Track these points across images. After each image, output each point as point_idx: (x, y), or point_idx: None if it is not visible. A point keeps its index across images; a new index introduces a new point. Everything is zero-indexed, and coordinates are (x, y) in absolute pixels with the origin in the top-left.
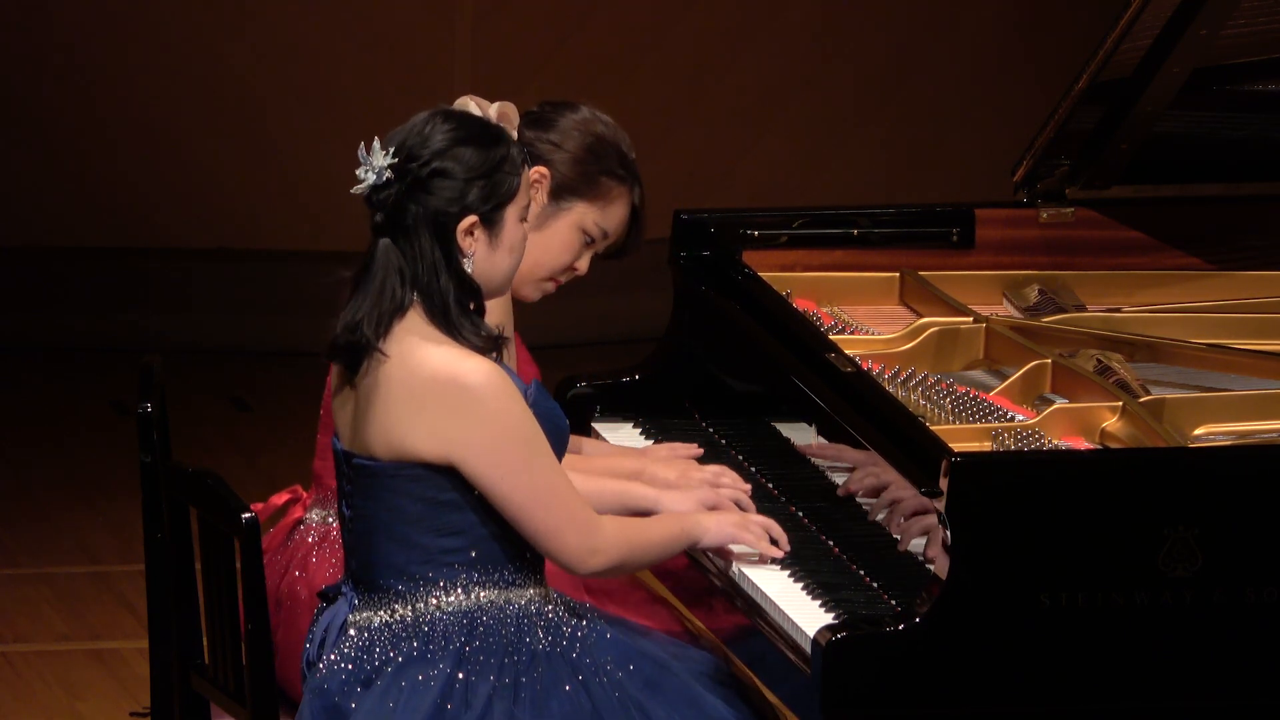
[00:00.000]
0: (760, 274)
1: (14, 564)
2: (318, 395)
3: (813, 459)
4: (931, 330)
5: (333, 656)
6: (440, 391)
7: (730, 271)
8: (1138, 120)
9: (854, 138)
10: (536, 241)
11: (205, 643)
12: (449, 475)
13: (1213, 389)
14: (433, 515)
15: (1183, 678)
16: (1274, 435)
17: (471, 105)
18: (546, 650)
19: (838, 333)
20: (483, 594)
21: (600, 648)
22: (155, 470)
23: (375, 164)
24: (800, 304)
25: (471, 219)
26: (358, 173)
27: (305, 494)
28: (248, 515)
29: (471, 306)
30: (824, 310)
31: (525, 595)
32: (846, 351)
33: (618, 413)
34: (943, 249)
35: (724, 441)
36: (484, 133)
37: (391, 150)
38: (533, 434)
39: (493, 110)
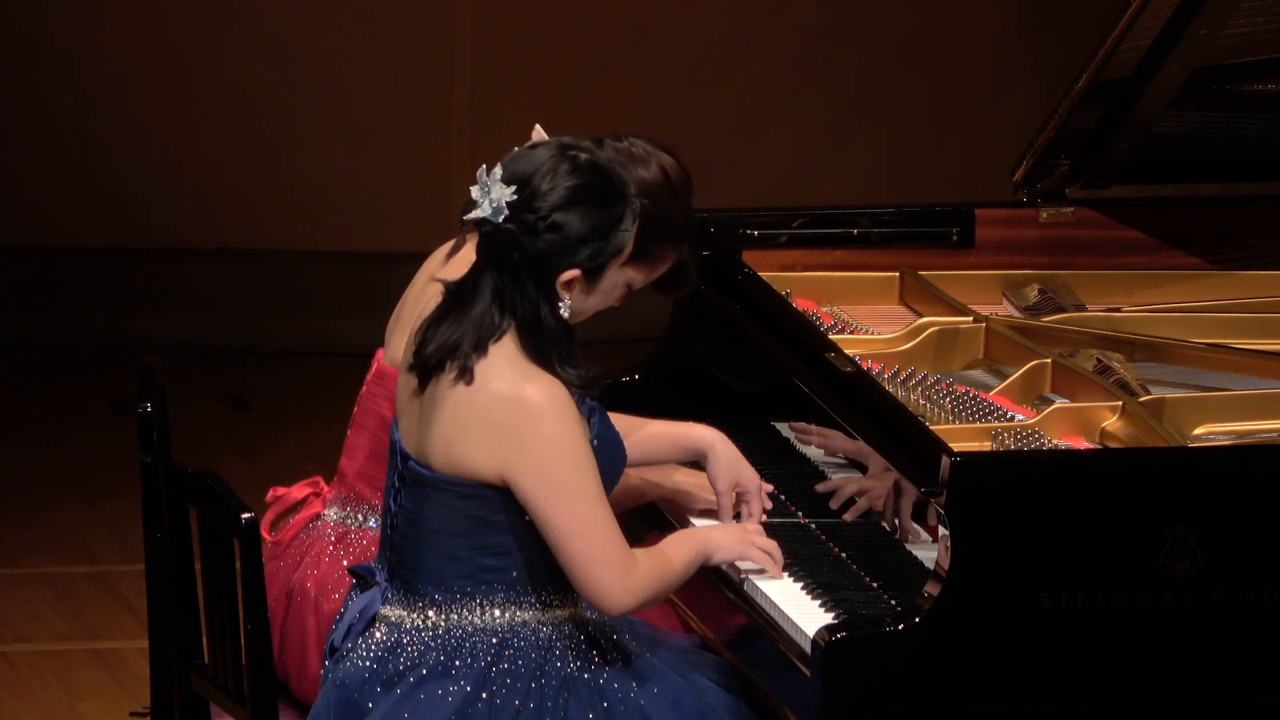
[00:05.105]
0: (760, 274)
1: (14, 564)
2: (317, 395)
3: (805, 444)
4: (931, 330)
5: (359, 649)
6: (501, 408)
7: (730, 271)
8: (1138, 120)
9: (854, 138)
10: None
11: (205, 643)
12: (501, 496)
13: (1213, 389)
14: (479, 533)
15: (1183, 678)
16: (1274, 435)
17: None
18: (574, 675)
19: (838, 333)
20: (518, 614)
21: (626, 672)
22: (155, 470)
23: (495, 197)
24: (800, 304)
25: (575, 273)
26: (474, 194)
27: (326, 488)
28: (248, 515)
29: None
30: (824, 310)
31: (559, 617)
32: (846, 351)
33: (618, 413)
34: (943, 249)
35: None
36: (606, 189)
37: (513, 187)
38: (586, 462)
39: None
